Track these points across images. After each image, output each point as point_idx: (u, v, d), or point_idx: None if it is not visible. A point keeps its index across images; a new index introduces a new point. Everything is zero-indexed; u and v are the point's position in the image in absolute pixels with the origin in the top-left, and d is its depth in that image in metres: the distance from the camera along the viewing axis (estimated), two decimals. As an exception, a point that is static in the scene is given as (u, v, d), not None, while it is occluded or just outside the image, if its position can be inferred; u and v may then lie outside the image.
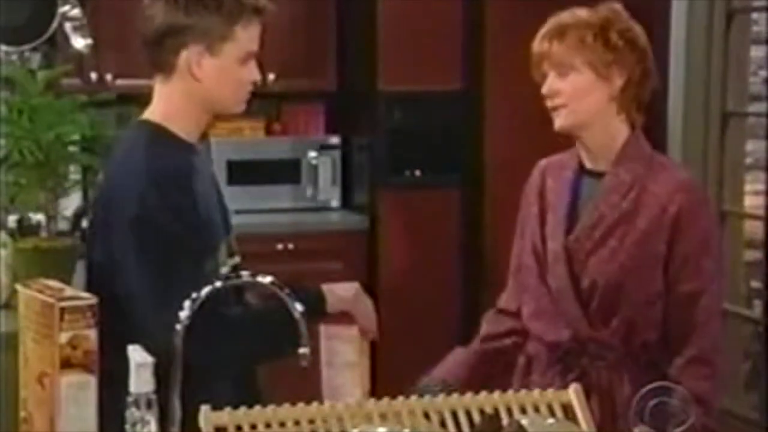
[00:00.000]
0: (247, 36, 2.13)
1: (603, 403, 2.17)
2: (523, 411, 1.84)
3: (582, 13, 2.24)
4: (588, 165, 2.30)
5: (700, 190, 2.36)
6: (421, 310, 4.42)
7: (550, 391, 1.88)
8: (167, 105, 2.17)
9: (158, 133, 2.15)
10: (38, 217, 3.25)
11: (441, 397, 1.83)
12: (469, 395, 1.84)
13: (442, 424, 1.81)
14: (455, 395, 1.84)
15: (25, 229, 3.32)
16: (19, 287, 1.93)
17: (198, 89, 2.13)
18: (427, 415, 1.82)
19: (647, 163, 2.26)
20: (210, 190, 2.20)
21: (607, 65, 2.20)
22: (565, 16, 2.25)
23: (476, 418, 1.81)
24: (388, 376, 3.72)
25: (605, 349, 2.23)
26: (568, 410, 1.87)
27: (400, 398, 1.83)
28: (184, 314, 1.81)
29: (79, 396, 1.81)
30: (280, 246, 4.35)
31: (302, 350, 1.82)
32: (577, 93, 2.22)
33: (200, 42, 2.10)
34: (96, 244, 2.19)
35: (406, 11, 4.35)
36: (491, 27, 4.30)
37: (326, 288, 2.19)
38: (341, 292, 2.20)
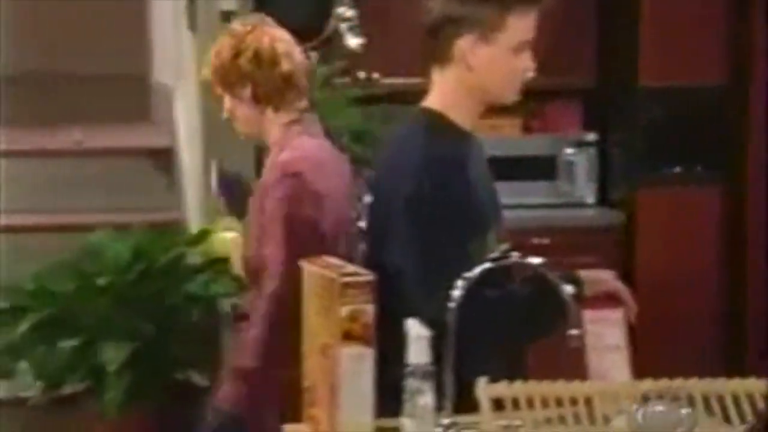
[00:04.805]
0: (521, 25, 2.17)
1: None
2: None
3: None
4: None
5: (288, 169, 2.55)
6: (677, 310, 4.33)
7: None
8: (444, 94, 2.24)
9: (436, 120, 2.23)
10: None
11: (722, 381, 1.80)
12: (752, 380, 1.80)
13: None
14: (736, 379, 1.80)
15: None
16: (304, 263, 2.05)
17: (471, 78, 2.19)
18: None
19: (282, 147, 2.61)
20: (483, 178, 2.27)
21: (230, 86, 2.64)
22: None
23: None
24: (644, 376, 3.68)
25: None
26: None
27: (679, 379, 1.80)
28: (456, 293, 1.88)
29: (357, 367, 1.90)
30: (535, 240, 4.38)
31: (573, 332, 1.85)
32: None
33: (474, 31, 2.16)
34: (372, 225, 2.29)
35: (670, 4, 4.27)
36: (757, 19, 4.16)
37: (583, 273, 2.21)
38: (599, 275, 2.23)
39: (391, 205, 2.17)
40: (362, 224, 3.19)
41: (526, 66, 2.20)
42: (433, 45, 2.21)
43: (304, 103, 2.68)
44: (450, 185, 2.13)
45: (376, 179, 2.33)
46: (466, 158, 2.20)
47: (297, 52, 2.68)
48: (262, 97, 2.62)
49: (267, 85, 2.61)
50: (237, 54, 2.63)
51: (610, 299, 2.20)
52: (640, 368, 3.77)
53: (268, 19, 2.72)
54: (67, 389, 3.14)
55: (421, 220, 2.12)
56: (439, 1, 2.19)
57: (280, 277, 2.47)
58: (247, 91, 2.62)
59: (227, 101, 2.68)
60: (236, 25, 2.71)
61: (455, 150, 2.19)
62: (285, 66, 2.63)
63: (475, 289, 1.91)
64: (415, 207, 2.12)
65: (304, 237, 2.51)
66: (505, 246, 2.28)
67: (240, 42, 2.64)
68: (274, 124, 2.64)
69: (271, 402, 2.50)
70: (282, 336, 2.46)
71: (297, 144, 2.62)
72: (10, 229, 3.79)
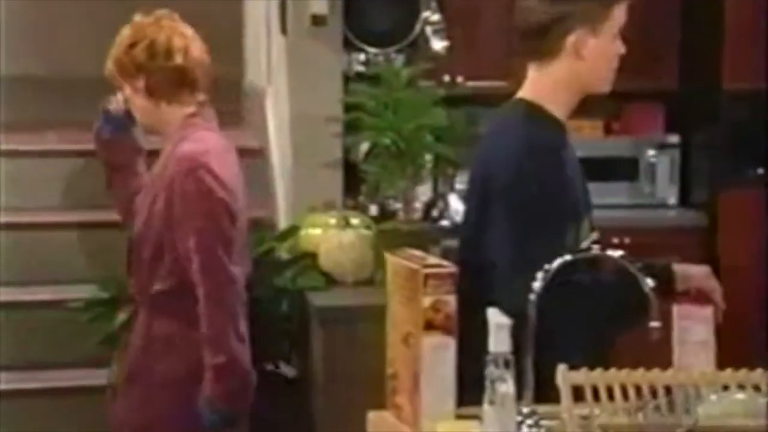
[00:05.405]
0: (620, 13, 2.27)
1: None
2: None
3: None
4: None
5: (195, 161, 2.59)
6: (760, 312, 4.30)
7: None
8: (541, 87, 2.30)
9: (534, 110, 2.29)
10: (396, 205, 3.52)
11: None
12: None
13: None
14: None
15: (383, 215, 3.60)
16: (388, 255, 2.12)
17: (580, 69, 2.26)
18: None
19: (181, 139, 2.64)
20: (576, 168, 2.32)
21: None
22: None
23: None
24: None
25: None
26: None
27: (759, 370, 1.83)
28: (537, 285, 1.92)
29: (439, 356, 1.94)
30: (616, 240, 4.39)
31: (653, 324, 1.88)
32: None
33: (585, 25, 2.24)
34: (469, 215, 2.35)
35: (754, 6, 4.25)
36: None
37: (677, 266, 2.24)
38: (693, 271, 2.25)
39: (489, 195, 2.23)
40: (445, 223, 3.26)
41: (620, 50, 2.30)
42: (536, 44, 2.27)
43: (200, 98, 2.74)
44: (547, 173, 2.18)
45: (472, 174, 2.38)
46: (562, 148, 2.26)
47: (196, 48, 2.73)
48: (155, 89, 2.68)
49: (159, 77, 2.67)
50: (133, 44, 2.69)
51: (701, 295, 2.21)
52: (722, 368, 3.76)
53: (176, 16, 2.77)
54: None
55: (518, 208, 2.17)
56: (540, 1, 2.25)
57: (214, 271, 2.56)
58: (141, 82, 2.68)
59: (126, 91, 2.74)
60: (139, 17, 2.77)
61: (553, 139, 2.25)
62: (178, 60, 2.67)
63: (557, 279, 1.94)
64: (512, 196, 2.18)
65: (225, 223, 2.59)
66: (594, 236, 2.33)
67: (138, 33, 2.71)
68: (170, 117, 2.70)
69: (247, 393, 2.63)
70: (241, 325, 2.59)
71: (199, 137, 2.68)
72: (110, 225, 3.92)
